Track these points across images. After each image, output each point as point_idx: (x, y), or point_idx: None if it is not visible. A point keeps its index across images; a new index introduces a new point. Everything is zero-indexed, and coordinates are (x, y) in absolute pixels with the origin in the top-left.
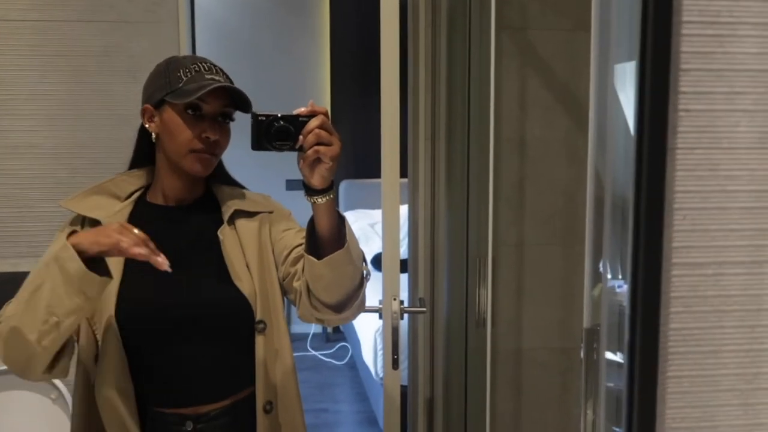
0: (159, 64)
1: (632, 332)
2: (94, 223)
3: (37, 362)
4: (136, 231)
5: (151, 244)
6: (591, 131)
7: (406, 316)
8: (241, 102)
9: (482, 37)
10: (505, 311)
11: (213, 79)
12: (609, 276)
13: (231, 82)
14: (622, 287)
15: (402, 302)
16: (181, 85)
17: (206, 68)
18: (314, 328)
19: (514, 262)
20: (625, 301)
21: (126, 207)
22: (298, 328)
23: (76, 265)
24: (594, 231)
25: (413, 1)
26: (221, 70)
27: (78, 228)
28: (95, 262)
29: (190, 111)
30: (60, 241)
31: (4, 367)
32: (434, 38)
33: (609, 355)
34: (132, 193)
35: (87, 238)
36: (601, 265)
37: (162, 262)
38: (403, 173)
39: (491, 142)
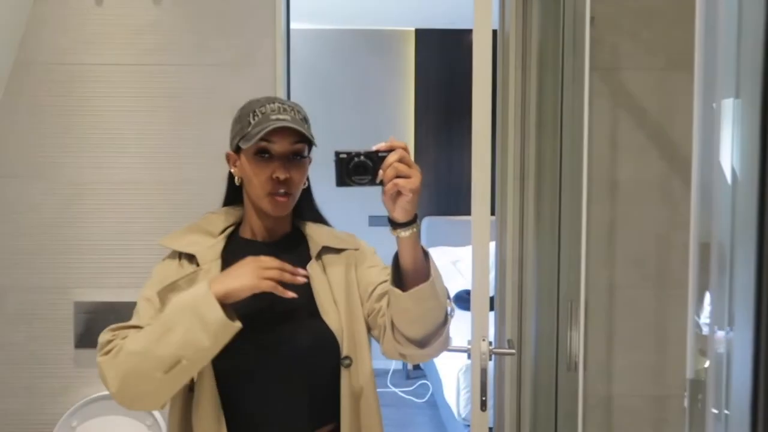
0: (238, 110)
1: (755, 383)
2: (191, 257)
3: (156, 398)
4: (269, 261)
5: (286, 276)
6: (694, 172)
7: (493, 356)
8: (307, 137)
9: (575, 77)
10: (595, 355)
11: (278, 119)
12: (710, 323)
13: (302, 116)
14: (729, 334)
15: (491, 343)
16: (249, 129)
17: (273, 109)
18: (395, 365)
19: (605, 305)
20: (733, 350)
21: (219, 242)
22: (379, 364)
23: (218, 315)
24: (699, 277)
25: (503, 41)
26: (292, 107)
27: (176, 262)
28: (224, 306)
29: (259, 155)
30: (199, 284)
31: (104, 393)
32: (524, 77)
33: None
34: (224, 230)
35: (222, 284)
36: (705, 313)
37: (285, 291)
38: (491, 210)
39: (584, 183)
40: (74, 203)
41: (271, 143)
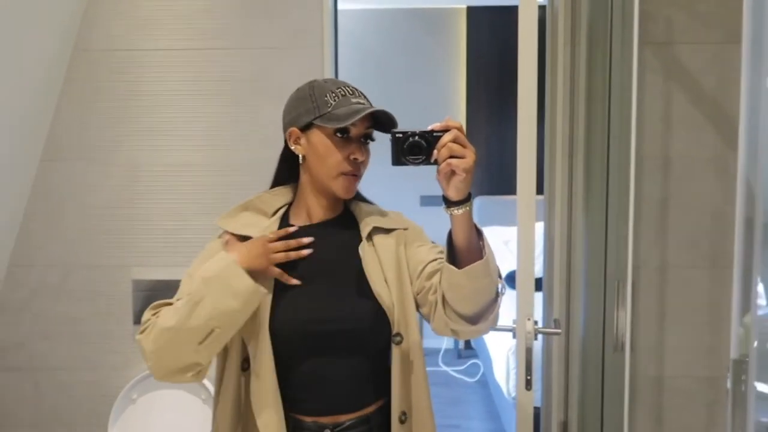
0: (301, 89)
1: None
2: (245, 238)
3: (191, 369)
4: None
5: (292, 255)
6: (741, 147)
7: (540, 336)
8: (385, 123)
9: (624, 51)
10: (646, 336)
11: (359, 103)
12: (762, 302)
13: (369, 102)
14: None
15: (536, 322)
16: (330, 109)
17: (350, 92)
18: (446, 344)
19: (656, 285)
20: None
21: (273, 224)
22: (430, 343)
23: (246, 281)
24: (744, 254)
25: (552, 16)
26: (361, 92)
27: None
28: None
29: (338, 134)
30: (218, 257)
31: None
32: (573, 53)
33: (761, 387)
34: (277, 210)
35: (242, 260)
36: (752, 290)
37: (290, 279)
38: (539, 190)
39: (632, 160)
40: (131, 185)
41: (353, 126)
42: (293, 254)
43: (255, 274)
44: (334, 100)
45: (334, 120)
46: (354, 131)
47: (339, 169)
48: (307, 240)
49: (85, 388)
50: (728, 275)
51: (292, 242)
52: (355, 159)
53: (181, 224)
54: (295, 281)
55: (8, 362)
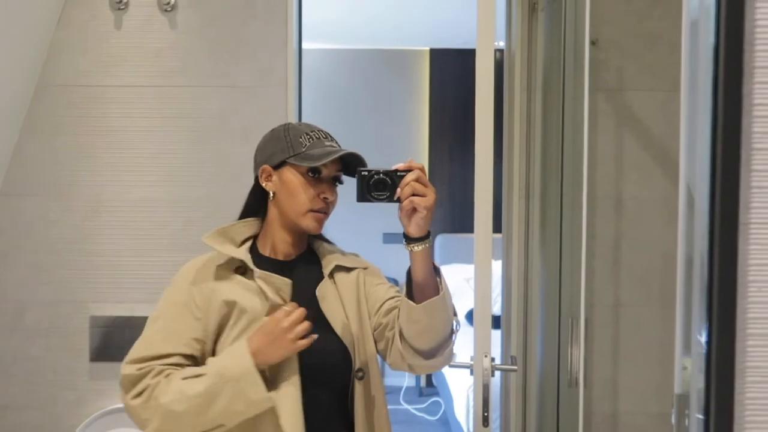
0: (275, 129)
1: (707, 402)
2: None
3: None
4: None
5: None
6: (681, 187)
7: (497, 373)
8: (352, 168)
9: (577, 96)
10: (600, 372)
11: (332, 146)
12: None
13: (340, 147)
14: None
15: (493, 359)
16: (304, 150)
17: (323, 135)
18: (407, 382)
19: (610, 323)
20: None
21: (244, 254)
22: (392, 380)
23: (261, 394)
24: (684, 294)
25: (509, 60)
26: (332, 137)
27: (188, 283)
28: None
29: (311, 174)
30: (240, 350)
31: (118, 406)
32: (529, 97)
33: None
34: (244, 241)
35: (262, 355)
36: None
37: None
38: (497, 229)
39: (584, 200)
40: (91, 220)
41: (325, 167)
42: (308, 324)
43: (283, 357)
44: (309, 142)
45: (308, 159)
46: (325, 172)
47: (309, 206)
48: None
49: (38, 428)
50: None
51: (301, 312)
52: (326, 198)
53: (140, 260)
54: (314, 336)
55: None
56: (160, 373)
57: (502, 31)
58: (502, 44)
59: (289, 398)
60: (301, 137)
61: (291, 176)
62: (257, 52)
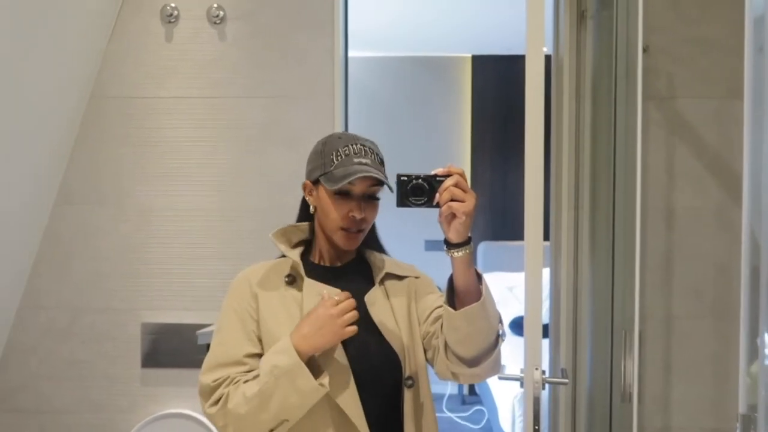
0: (318, 142)
1: None
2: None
3: None
4: (342, 308)
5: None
6: (745, 198)
7: (546, 385)
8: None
9: (628, 106)
10: (652, 387)
11: (360, 163)
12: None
13: (380, 159)
14: None
15: (544, 372)
16: (332, 168)
17: (356, 150)
18: (450, 389)
19: (662, 336)
20: None
21: (298, 264)
22: (434, 388)
23: (310, 383)
24: (750, 304)
25: (557, 67)
26: (371, 149)
27: (247, 288)
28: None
29: (339, 193)
30: (285, 345)
31: (169, 411)
32: (578, 104)
33: None
34: (297, 244)
35: (308, 346)
36: (759, 340)
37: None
38: (545, 236)
39: (638, 211)
40: (143, 229)
41: (353, 185)
42: (355, 313)
43: (328, 344)
44: (338, 159)
45: (331, 181)
46: (355, 190)
47: (339, 224)
48: (347, 294)
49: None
50: (732, 327)
51: (352, 301)
52: (354, 216)
53: (190, 268)
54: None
55: (14, 404)
56: (232, 381)
57: (550, 38)
58: (546, 50)
59: (350, 399)
60: (332, 153)
61: (323, 194)
62: (304, 63)
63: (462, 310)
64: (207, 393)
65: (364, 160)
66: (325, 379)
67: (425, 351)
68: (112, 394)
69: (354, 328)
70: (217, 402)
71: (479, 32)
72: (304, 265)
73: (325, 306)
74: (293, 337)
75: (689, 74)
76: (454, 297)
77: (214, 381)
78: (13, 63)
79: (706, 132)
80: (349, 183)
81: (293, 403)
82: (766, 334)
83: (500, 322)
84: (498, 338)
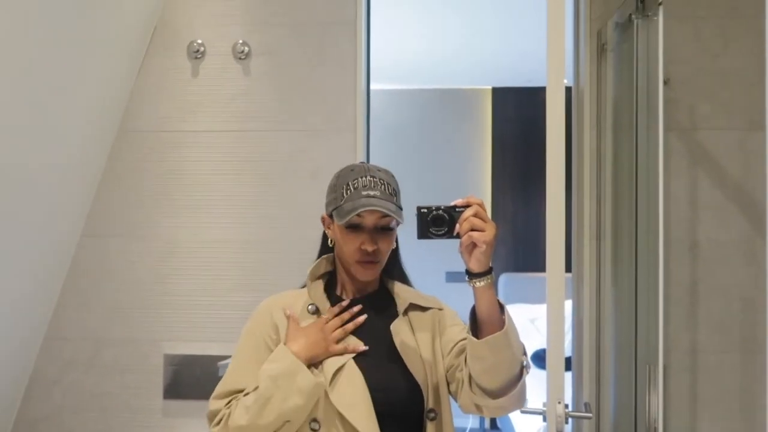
0: (334, 176)
1: None
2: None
3: None
4: (331, 324)
5: (349, 327)
6: None
7: (570, 419)
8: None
9: (649, 137)
10: (677, 422)
11: (368, 196)
12: None
13: (392, 189)
14: None
15: (567, 406)
16: (341, 203)
17: (365, 183)
18: (471, 423)
19: (687, 370)
20: None
21: (320, 295)
22: (456, 422)
23: (308, 379)
24: None
25: (578, 102)
26: (384, 180)
27: (268, 317)
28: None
29: (350, 227)
30: (280, 352)
31: None
32: (599, 135)
33: None
34: (320, 276)
35: (302, 352)
36: None
37: (356, 347)
38: (567, 268)
39: (660, 243)
40: (167, 261)
41: (361, 217)
42: (350, 326)
43: (318, 357)
44: (347, 193)
45: (340, 215)
46: (365, 222)
47: (353, 257)
48: (357, 308)
49: None
50: (759, 360)
51: (345, 315)
52: (365, 249)
53: (213, 300)
54: (362, 347)
55: None
56: (236, 399)
57: (570, 70)
58: (567, 82)
59: (370, 430)
60: (343, 188)
61: (337, 228)
62: (327, 96)
63: (485, 338)
64: (213, 415)
65: (372, 193)
66: (320, 378)
67: (449, 384)
68: (134, 426)
69: (341, 346)
70: (219, 422)
71: (499, 65)
72: (328, 296)
73: (315, 324)
74: (288, 345)
75: (711, 106)
76: (477, 327)
77: (226, 404)
78: (44, 97)
79: (729, 163)
80: (358, 216)
81: (294, 404)
82: None
83: (524, 353)
84: (522, 369)
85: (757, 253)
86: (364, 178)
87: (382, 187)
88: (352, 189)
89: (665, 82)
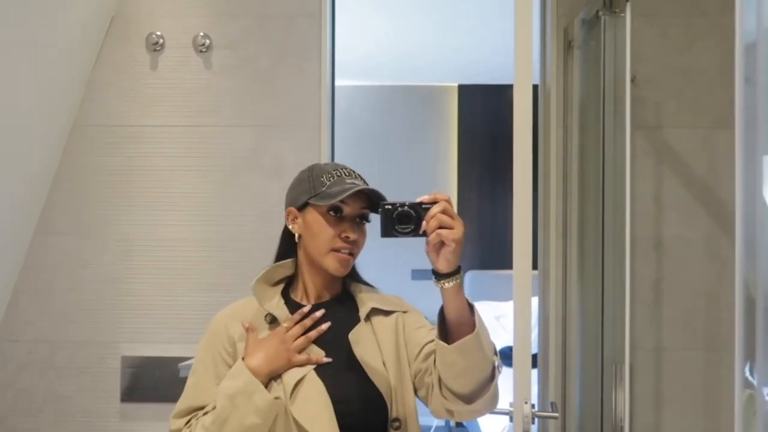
0: (302, 171)
1: None
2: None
3: None
4: (291, 333)
5: (312, 335)
6: (738, 229)
7: (536, 419)
8: (378, 203)
9: (616, 135)
10: (643, 420)
11: (353, 183)
12: (758, 384)
13: (367, 184)
14: None
15: (533, 406)
16: (324, 188)
17: (346, 173)
18: (436, 422)
19: (652, 368)
20: None
21: (278, 303)
22: (421, 420)
23: (265, 398)
24: (745, 335)
25: (544, 100)
26: (359, 174)
27: (223, 331)
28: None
29: (332, 213)
30: (238, 369)
31: None
32: (566, 135)
33: None
34: (278, 282)
35: (262, 367)
36: (747, 370)
37: (319, 359)
38: (533, 265)
39: (627, 241)
40: (125, 259)
41: (346, 205)
42: (313, 334)
43: (280, 369)
44: (329, 180)
45: (326, 198)
46: (347, 210)
47: (331, 245)
48: (320, 313)
49: None
50: (723, 357)
51: (307, 322)
52: (347, 237)
53: (173, 300)
54: (325, 359)
55: None
56: (196, 418)
57: (537, 68)
58: (534, 80)
59: None
60: (323, 176)
61: (313, 216)
62: (290, 91)
63: (456, 343)
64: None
65: (356, 181)
66: (279, 392)
67: (417, 390)
68: (89, 430)
69: (303, 357)
70: None
71: (466, 62)
72: (285, 302)
73: (275, 334)
74: (246, 361)
75: (677, 104)
76: (446, 330)
77: (186, 425)
78: None
79: (694, 162)
80: (343, 202)
81: (252, 423)
82: (760, 366)
83: (495, 353)
84: (494, 370)
85: (721, 250)
86: (343, 170)
87: (360, 180)
88: (335, 176)
89: (632, 80)
